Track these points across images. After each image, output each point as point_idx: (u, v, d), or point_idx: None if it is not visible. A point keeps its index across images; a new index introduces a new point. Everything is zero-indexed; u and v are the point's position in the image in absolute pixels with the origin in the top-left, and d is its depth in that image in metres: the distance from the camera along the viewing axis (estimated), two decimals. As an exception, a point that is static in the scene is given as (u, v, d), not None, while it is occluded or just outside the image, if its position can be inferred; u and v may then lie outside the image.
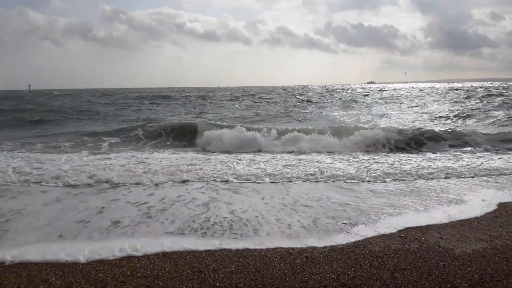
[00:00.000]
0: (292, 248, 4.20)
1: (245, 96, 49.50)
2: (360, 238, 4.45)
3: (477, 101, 30.55)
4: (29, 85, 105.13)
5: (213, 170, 8.00)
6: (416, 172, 7.82)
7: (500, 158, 9.56)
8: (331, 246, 4.25)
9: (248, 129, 12.93)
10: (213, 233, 4.66)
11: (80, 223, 5.02)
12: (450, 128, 13.97)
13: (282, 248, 4.21)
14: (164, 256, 4.02)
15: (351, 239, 4.44)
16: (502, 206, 5.64)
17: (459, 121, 18.83)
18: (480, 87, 57.77)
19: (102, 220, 5.13)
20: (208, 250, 4.16)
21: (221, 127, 13.90)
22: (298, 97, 38.46)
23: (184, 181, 7.20)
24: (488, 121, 17.98)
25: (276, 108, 29.46)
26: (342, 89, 73.53)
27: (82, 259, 3.91)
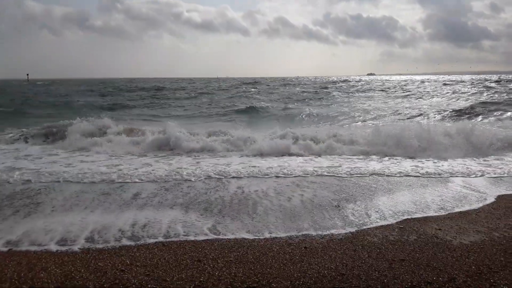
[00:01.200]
0: (290, 238, 4.22)
1: (231, 87, 48.85)
2: (358, 228, 4.48)
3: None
4: (27, 75, 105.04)
5: None
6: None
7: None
8: (330, 237, 4.27)
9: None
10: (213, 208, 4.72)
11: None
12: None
13: (281, 238, 4.23)
14: (164, 245, 4.04)
15: (350, 229, 4.46)
16: (500, 198, 5.66)
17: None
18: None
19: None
20: (207, 240, 4.18)
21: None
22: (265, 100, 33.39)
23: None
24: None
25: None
26: (346, 80, 73.10)
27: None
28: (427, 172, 7.29)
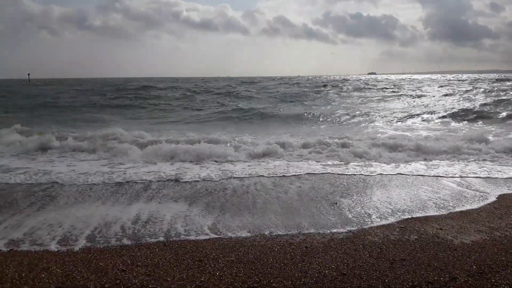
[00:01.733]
0: (292, 238, 4.22)
1: (227, 86, 48.38)
2: (359, 228, 4.48)
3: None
4: (28, 74, 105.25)
5: None
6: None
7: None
8: (331, 236, 4.27)
9: None
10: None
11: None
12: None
13: (282, 237, 4.23)
14: (165, 245, 4.04)
15: (351, 228, 4.46)
16: (501, 198, 5.65)
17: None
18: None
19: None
20: (208, 239, 4.18)
21: None
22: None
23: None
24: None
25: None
26: (345, 79, 72.91)
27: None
28: (436, 172, 7.28)
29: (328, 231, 4.42)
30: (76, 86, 52.68)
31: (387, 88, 39.18)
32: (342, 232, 4.39)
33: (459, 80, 56.10)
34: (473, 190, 6.04)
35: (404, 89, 37.69)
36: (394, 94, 32.12)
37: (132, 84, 53.40)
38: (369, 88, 39.85)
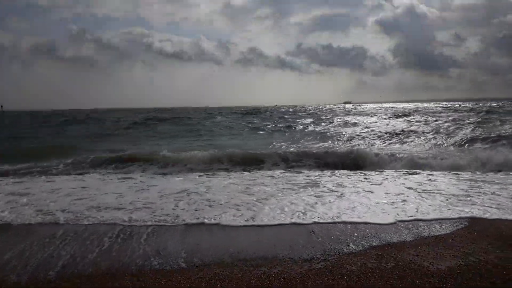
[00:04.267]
0: (269, 270, 4.15)
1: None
2: (336, 257, 4.45)
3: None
4: (1, 106, 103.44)
5: None
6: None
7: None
8: (308, 266, 4.23)
9: None
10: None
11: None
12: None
13: (260, 269, 4.15)
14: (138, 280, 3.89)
15: (328, 257, 4.42)
16: (472, 221, 5.74)
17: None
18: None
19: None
20: (182, 272, 4.06)
21: None
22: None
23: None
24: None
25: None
26: (331, 108, 73.23)
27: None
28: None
29: (306, 261, 4.36)
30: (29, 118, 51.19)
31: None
32: (320, 261, 4.35)
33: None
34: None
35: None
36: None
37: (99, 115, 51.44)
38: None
